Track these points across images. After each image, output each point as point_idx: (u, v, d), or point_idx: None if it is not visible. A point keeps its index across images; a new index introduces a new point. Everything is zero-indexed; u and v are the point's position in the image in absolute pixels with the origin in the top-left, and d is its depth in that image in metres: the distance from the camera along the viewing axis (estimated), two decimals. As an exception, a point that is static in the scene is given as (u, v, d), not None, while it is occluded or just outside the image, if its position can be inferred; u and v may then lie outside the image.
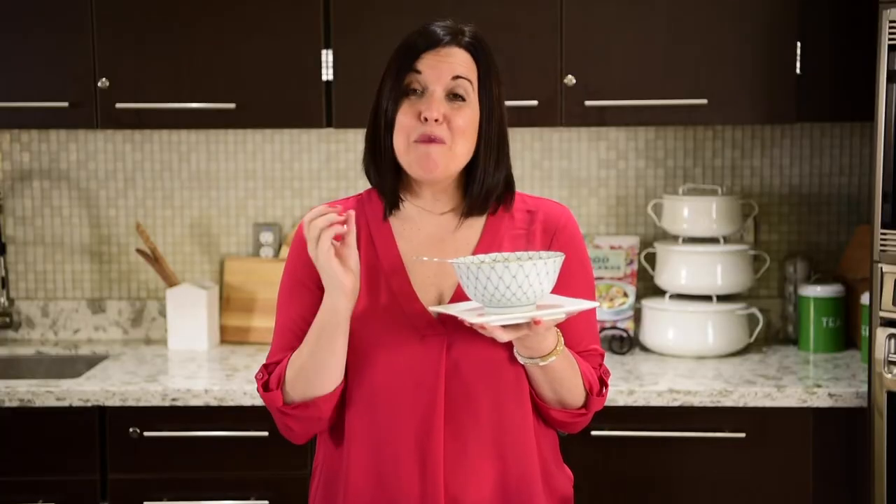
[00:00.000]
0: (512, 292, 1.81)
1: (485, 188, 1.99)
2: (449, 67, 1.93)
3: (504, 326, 1.83)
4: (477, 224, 2.03)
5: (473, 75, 1.96)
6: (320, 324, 1.91)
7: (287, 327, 2.01)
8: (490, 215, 2.03)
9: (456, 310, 1.89)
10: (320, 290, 1.94)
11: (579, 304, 1.89)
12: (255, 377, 2.03)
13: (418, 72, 1.93)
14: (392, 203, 2.01)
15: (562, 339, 1.94)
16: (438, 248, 2.00)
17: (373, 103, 1.99)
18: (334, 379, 1.94)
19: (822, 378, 2.93)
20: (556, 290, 1.95)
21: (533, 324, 1.82)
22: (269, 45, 3.08)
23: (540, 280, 1.82)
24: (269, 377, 1.99)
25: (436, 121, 1.91)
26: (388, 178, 2.00)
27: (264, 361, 2.04)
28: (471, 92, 1.95)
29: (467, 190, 2.00)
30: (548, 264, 1.82)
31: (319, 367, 1.92)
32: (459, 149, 1.94)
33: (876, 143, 2.63)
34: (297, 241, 2.03)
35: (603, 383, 2.06)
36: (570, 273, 1.98)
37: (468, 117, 1.94)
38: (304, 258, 1.97)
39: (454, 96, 1.94)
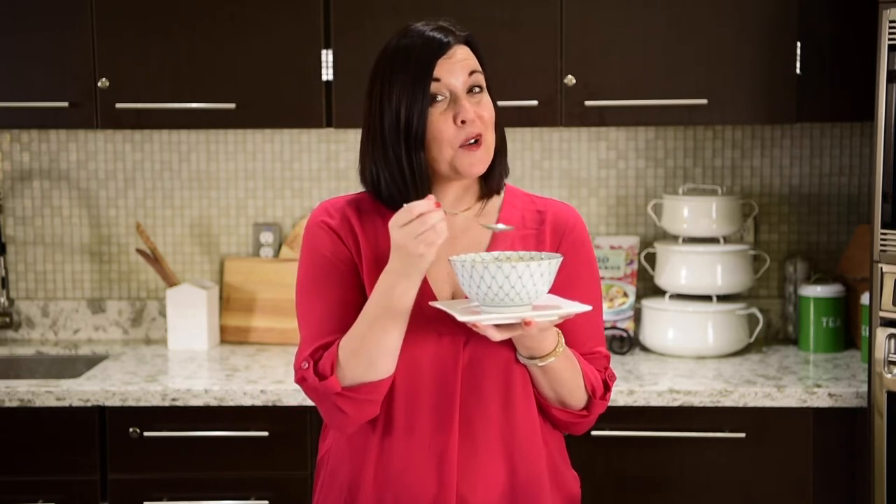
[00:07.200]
0: (505, 292, 1.81)
1: (500, 166, 2.03)
2: (461, 67, 1.95)
3: (497, 326, 1.83)
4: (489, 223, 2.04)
5: (478, 64, 1.99)
6: (390, 305, 1.87)
7: (338, 307, 1.96)
8: (501, 217, 2.04)
9: (452, 307, 1.89)
10: (355, 270, 1.96)
11: (574, 307, 1.89)
12: (297, 367, 1.97)
13: (437, 80, 1.93)
14: None
15: (562, 340, 1.95)
16: (452, 246, 2.00)
17: (373, 120, 1.96)
18: (394, 360, 1.92)
19: (822, 378, 2.93)
20: (562, 291, 1.95)
21: (524, 324, 1.82)
22: (269, 45, 3.08)
23: (534, 281, 1.82)
24: (319, 364, 1.93)
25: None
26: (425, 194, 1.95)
27: (307, 351, 1.97)
28: (482, 81, 1.98)
29: (488, 173, 2.01)
30: (542, 266, 1.82)
31: (382, 348, 1.89)
32: (490, 137, 1.97)
33: (876, 143, 2.63)
34: (314, 229, 2.01)
35: (607, 387, 2.06)
36: (576, 274, 1.99)
37: (490, 105, 1.98)
38: (335, 246, 1.98)
39: (473, 91, 1.96)
